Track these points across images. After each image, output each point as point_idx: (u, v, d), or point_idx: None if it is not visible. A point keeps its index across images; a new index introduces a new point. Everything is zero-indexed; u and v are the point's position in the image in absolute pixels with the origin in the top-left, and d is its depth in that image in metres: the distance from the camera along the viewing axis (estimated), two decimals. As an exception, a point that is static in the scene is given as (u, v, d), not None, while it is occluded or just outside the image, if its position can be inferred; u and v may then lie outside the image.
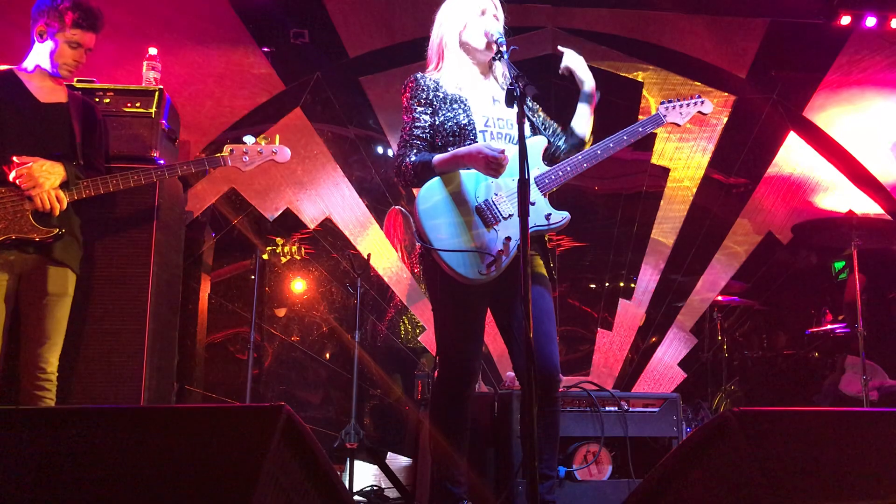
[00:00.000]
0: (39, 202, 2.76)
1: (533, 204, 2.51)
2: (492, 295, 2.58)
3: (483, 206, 2.51)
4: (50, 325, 2.82)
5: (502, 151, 2.41)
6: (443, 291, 2.53)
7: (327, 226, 4.85)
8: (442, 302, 2.57)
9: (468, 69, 2.69)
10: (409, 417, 4.57)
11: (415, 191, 2.58)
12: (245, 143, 3.07)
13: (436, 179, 2.52)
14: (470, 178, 2.53)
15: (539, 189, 2.57)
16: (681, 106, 2.86)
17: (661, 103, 2.87)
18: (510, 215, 2.52)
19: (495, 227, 2.49)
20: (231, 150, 3.06)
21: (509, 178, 2.55)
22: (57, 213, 2.80)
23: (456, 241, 2.44)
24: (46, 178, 2.77)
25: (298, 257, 4.52)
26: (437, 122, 2.60)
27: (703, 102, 2.89)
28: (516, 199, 2.52)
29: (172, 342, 3.70)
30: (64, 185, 2.83)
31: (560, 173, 2.62)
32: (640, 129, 2.74)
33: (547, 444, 2.55)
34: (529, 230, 2.47)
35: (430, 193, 2.50)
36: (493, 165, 2.41)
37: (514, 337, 2.59)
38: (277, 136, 3.16)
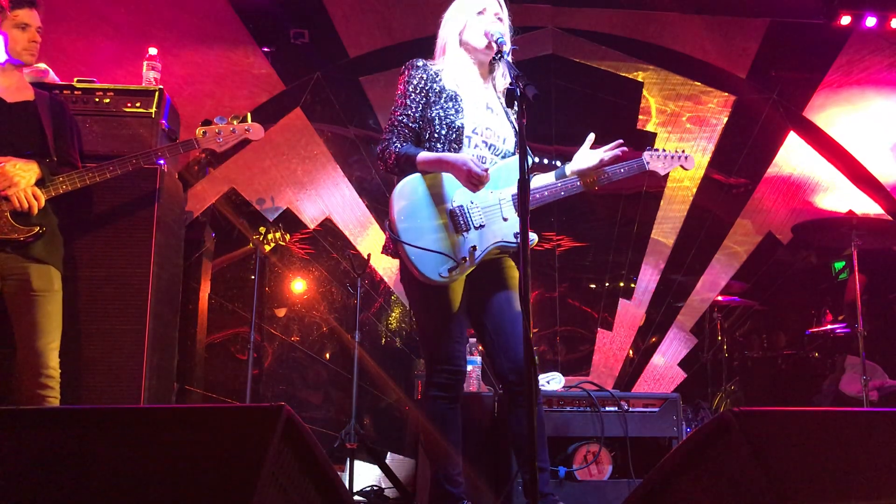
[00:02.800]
0: (17, 201, 2.74)
1: (506, 220, 2.57)
2: (465, 294, 2.60)
3: (457, 210, 2.52)
4: (42, 319, 2.79)
5: (486, 170, 2.43)
6: (415, 292, 2.57)
7: (327, 226, 4.85)
8: (416, 302, 2.61)
9: (468, 70, 2.68)
10: (409, 417, 4.57)
11: (395, 180, 2.61)
12: (217, 124, 3.03)
13: (416, 175, 2.53)
14: (450, 181, 2.54)
15: (513, 206, 2.58)
16: (666, 157, 2.94)
17: (647, 149, 2.93)
18: (481, 226, 2.53)
19: (465, 233, 2.51)
20: (204, 133, 3.01)
21: (487, 191, 2.56)
22: (35, 211, 2.78)
23: (423, 240, 2.45)
24: (21, 176, 2.75)
25: (283, 243, 4.49)
26: (428, 116, 2.60)
27: (686, 159, 2.98)
28: (491, 212, 2.55)
29: (172, 342, 3.70)
30: (39, 183, 2.80)
31: (537, 196, 2.65)
32: (623, 171, 2.82)
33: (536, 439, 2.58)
34: (495, 243, 2.53)
35: (408, 188, 2.52)
36: (473, 180, 2.43)
37: (489, 337, 2.62)
38: (249, 115, 3.12)
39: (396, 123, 2.61)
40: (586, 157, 2.72)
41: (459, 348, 2.55)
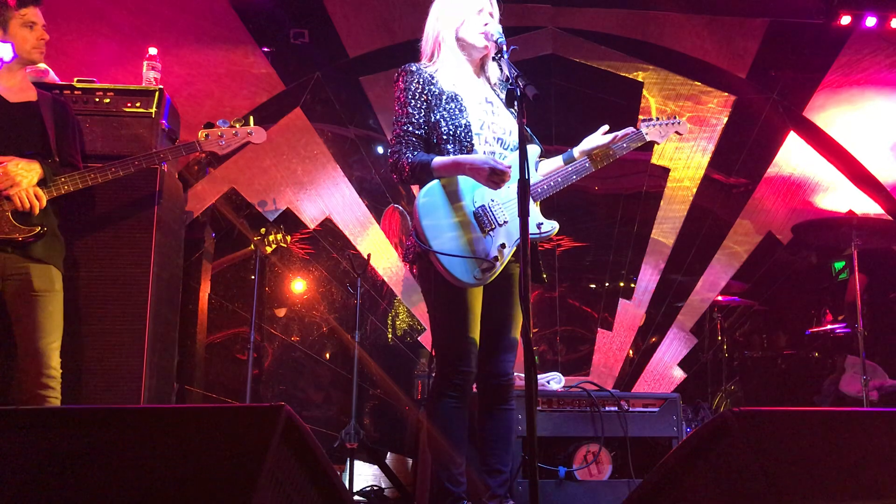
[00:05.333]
0: (18, 201, 2.73)
1: None
2: (484, 295, 2.60)
3: (480, 211, 2.52)
4: (43, 319, 2.78)
5: (509, 167, 2.42)
6: (438, 292, 2.55)
7: (327, 226, 4.85)
8: (438, 302, 2.59)
9: (463, 67, 2.67)
10: (409, 417, 4.57)
11: (415, 189, 2.59)
12: (219, 127, 3.03)
13: (436, 182, 2.51)
14: (467, 182, 2.53)
15: (532, 197, 2.57)
16: (660, 125, 2.94)
17: (643, 121, 2.93)
18: (505, 222, 2.54)
19: (491, 232, 2.51)
20: (206, 135, 3.01)
21: (504, 186, 2.56)
22: (37, 211, 2.78)
23: (454, 245, 2.45)
24: (23, 176, 2.75)
25: (285, 244, 4.49)
26: (432, 120, 2.58)
27: (679, 123, 2.98)
28: (511, 206, 2.54)
29: (172, 342, 3.70)
30: (41, 183, 2.80)
31: (552, 184, 2.66)
32: (625, 146, 2.81)
33: (500, 442, 2.63)
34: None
35: (430, 195, 2.50)
36: (495, 178, 2.42)
37: (483, 340, 2.63)
38: (251, 118, 3.12)
39: (403, 133, 2.59)
40: (595, 137, 2.74)
41: (473, 349, 2.55)
